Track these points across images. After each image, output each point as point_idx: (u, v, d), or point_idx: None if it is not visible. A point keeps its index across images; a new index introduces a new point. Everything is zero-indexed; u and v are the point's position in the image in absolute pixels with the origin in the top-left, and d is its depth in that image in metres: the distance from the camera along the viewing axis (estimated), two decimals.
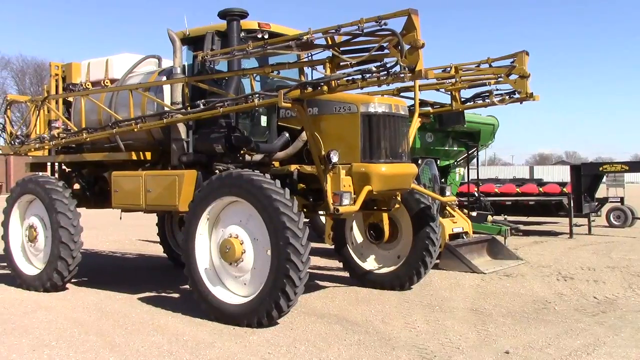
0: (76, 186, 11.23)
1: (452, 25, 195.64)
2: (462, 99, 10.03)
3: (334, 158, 8.00)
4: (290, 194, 7.53)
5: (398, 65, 6.72)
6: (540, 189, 20.70)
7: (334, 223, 10.63)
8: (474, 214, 15.76)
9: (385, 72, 6.87)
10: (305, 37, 7.23)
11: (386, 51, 6.90)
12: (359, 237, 10.63)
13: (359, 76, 7.10)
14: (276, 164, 9.13)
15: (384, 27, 6.70)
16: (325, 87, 7.24)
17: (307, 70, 9.83)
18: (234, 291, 8.00)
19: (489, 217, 16.11)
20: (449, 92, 9.99)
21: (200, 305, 8.09)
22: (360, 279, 10.40)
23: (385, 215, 9.71)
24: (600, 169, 19.14)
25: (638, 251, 14.96)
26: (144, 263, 13.89)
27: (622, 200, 21.78)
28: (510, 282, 10.68)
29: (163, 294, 9.90)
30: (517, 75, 9.21)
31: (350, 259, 10.55)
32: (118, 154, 9.91)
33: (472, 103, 9.98)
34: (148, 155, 9.87)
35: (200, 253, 8.16)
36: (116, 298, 9.57)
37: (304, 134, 8.71)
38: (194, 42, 9.38)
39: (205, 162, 8.98)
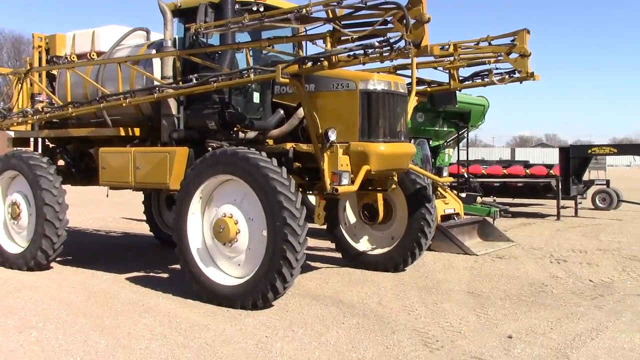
0: (60, 162, 10.88)
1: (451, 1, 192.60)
2: (460, 78, 9.81)
3: (332, 136, 7.77)
4: (287, 173, 7.31)
5: (403, 41, 6.48)
6: (527, 171, 20.65)
7: (327, 203, 10.40)
8: (463, 195, 15.65)
9: (389, 48, 6.63)
10: (304, 10, 6.95)
11: (390, 25, 6.64)
12: (352, 217, 10.43)
13: (361, 51, 6.84)
14: (270, 141, 8.85)
15: (388, 0, 6.44)
16: (326, 63, 6.99)
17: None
18: (227, 272, 7.77)
19: (478, 199, 16.02)
20: (447, 71, 9.76)
21: (192, 286, 7.86)
22: (353, 260, 10.22)
23: (379, 196, 9.51)
24: (589, 151, 19.08)
25: (626, 234, 14.96)
26: (130, 242, 13.58)
27: (607, 182, 21.81)
28: (503, 264, 10.58)
29: (151, 274, 9.65)
30: (517, 54, 8.99)
31: (343, 239, 10.36)
32: (105, 129, 9.59)
33: (470, 82, 9.77)
34: (137, 131, 9.55)
35: (192, 233, 7.90)
36: (103, 278, 9.30)
37: (300, 111, 8.44)
38: (185, 14, 9.02)
39: (197, 139, 8.69)
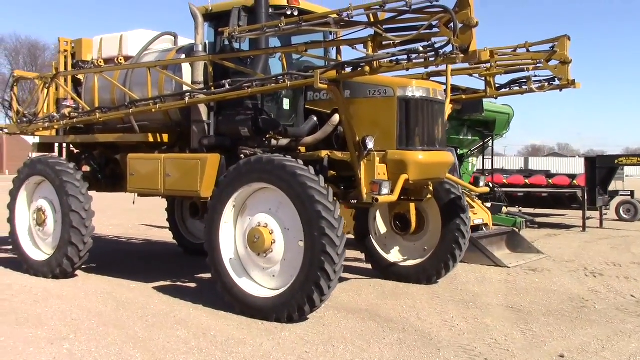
0: (85, 168, 10.72)
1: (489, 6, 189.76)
2: (497, 85, 9.56)
3: (370, 144, 7.53)
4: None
5: (450, 46, 6.24)
6: (550, 181, 20.34)
7: (356, 213, 10.18)
8: (488, 205, 15.36)
9: (434, 53, 6.39)
10: (344, 14, 6.74)
11: (435, 30, 6.40)
12: (382, 227, 10.18)
13: (404, 57, 6.61)
14: (302, 149, 8.63)
15: (435, 3, 6.21)
16: (367, 68, 6.74)
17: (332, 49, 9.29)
18: (261, 283, 7.54)
19: (504, 209, 15.73)
20: (483, 78, 9.51)
21: (225, 297, 7.64)
22: (384, 271, 9.96)
23: (412, 205, 9.26)
24: (616, 161, 18.74)
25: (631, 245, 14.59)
26: (153, 249, 13.40)
27: (632, 193, 21.47)
28: (538, 277, 10.28)
29: (179, 284, 9.43)
30: (558, 60, 8.73)
31: (374, 250, 10.10)
32: (133, 135, 9.42)
33: (507, 90, 9.51)
34: (165, 137, 9.37)
35: (224, 242, 7.69)
36: (130, 287, 9.10)
37: (334, 118, 8.21)
38: (216, 18, 8.85)
39: (228, 145, 8.49)
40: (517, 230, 13.92)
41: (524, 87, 9.23)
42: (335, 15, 6.85)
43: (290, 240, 7.22)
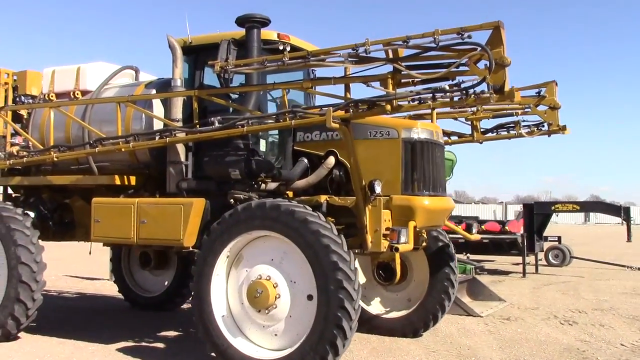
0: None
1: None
2: (482, 130, 9.35)
3: (378, 189, 7.00)
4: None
5: (483, 85, 5.88)
6: (482, 227, 20.49)
7: None
8: None
9: (464, 92, 6.00)
10: (361, 49, 6.28)
11: (464, 68, 6.05)
12: (361, 278, 9.57)
13: (429, 95, 6.19)
14: (289, 193, 7.97)
15: (467, 40, 5.86)
16: (388, 107, 6.26)
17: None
18: (259, 343, 6.75)
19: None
20: (469, 122, 9.28)
21: (217, 359, 6.77)
22: (365, 324, 9.27)
23: (397, 254, 8.75)
24: (553, 208, 19.18)
25: (603, 291, 14.79)
26: (95, 304, 12.08)
27: (559, 239, 22.01)
28: (517, 326, 9.99)
29: (144, 344, 8.41)
30: (546, 106, 8.63)
31: None
32: (97, 177, 8.47)
33: (495, 134, 9.32)
34: (132, 179, 8.45)
35: (216, 297, 6.87)
36: (89, 350, 8.02)
37: (329, 160, 7.64)
38: (195, 51, 8.18)
39: (213, 189, 7.73)
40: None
41: (512, 132, 9.06)
42: (349, 50, 6.37)
43: (297, 294, 6.52)
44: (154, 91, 8.49)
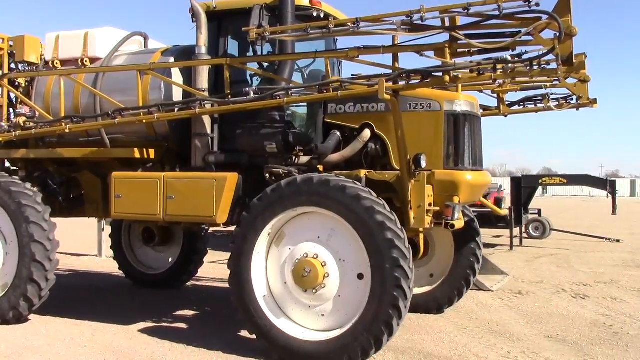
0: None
1: None
2: (507, 103, 9.15)
3: (424, 163, 6.74)
4: None
5: (549, 56, 5.65)
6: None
7: None
8: None
9: (528, 64, 5.77)
10: (416, 16, 5.96)
11: (527, 38, 5.80)
12: None
13: (489, 67, 5.92)
14: (320, 168, 7.64)
15: (535, 8, 5.60)
16: (447, 77, 5.98)
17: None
18: (303, 324, 6.46)
19: None
20: (495, 94, 9.05)
21: (259, 342, 6.50)
22: None
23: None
24: (540, 181, 19.31)
25: (595, 264, 14.92)
26: (94, 282, 11.59)
27: (539, 212, 22.24)
28: (532, 300, 9.96)
29: (164, 324, 8.06)
30: (576, 79, 8.44)
31: None
32: (116, 150, 8.03)
33: (521, 107, 9.13)
34: (152, 153, 8.00)
35: (257, 277, 6.56)
36: (110, 330, 7.65)
37: (364, 133, 7.32)
38: (218, 17, 7.73)
39: (244, 163, 7.36)
40: None
41: (539, 105, 8.88)
42: (403, 17, 6.05)
43: (346, 273, 6.25)
44: (172, 59, 8.01)
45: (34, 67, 9.01)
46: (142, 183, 7.45)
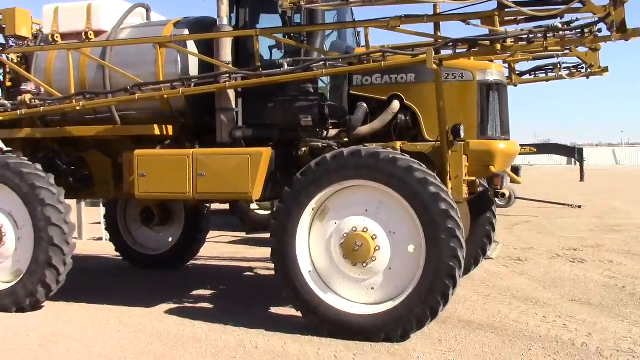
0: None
1: None
2: (518, 72, 9.23)
3: (463, 134, 6.73)
4: None
5: (602, 23, 5.68)
6: None
7: None
8: None
9: (580, 31, 5.79)
10: None
11: (577, 5, 5.81)
12: None
13: (540, 35, 5.92)
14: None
15: None
16: (498, 46, 5.95)
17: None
18: (351, 298, 6.39)
19: None
20: (506, 64, 9.11)
21: (307, 318, 6.41)
22: None
23: None
24: None
25: (570, 229, 15.38)
26: (91, 264, 11.10)
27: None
28: (534, 266, 10.22)
29: (188, 305, 7.87)
30: (587, 47, 8.59)
31: None
32: (135, 127, 7.66)
33: (532, 77, 9.21)
34: (169, 129, 7.71)
35: (301, 253, 6.44)
36: (135, 314, 7.39)
37: (394, 104, 7.21)
38: None
39: (275, 137, 7.19)
40: None
41: (550, 75, 8.99)
42: None
43: (397, 245, 6.20)
44: (186, 31, 7.68)
45: (26, 42, 8.51)
46: (169, 160, 7.17)
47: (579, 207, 21.31)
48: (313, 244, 6.52)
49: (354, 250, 6.16)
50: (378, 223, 6.24)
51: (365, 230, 6.21)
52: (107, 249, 11.67)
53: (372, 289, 6.32)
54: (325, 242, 6.43)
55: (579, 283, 8.86)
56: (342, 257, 6.28)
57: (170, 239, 10.46)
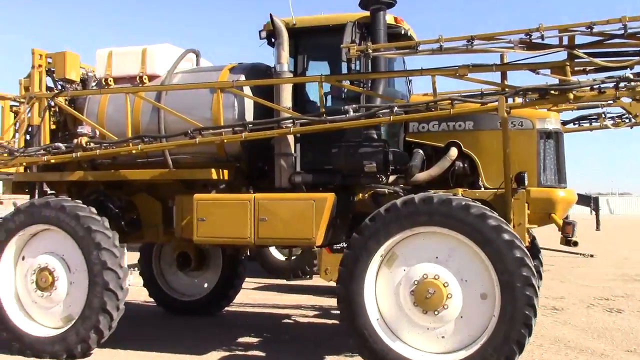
0: None
1: None
2: (562, 121, 9.29)
3: (527, 181, 6.77)
4: None
5: None
6: None
7: None
8: None
9: None
10: (535, 34, 6.02)
11: None
12: None
13: (611, 85, 6.04)
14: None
15: None
16: (571, 95, 6.04)
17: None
18: (419, 347, 6.30)
19: None
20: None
21: None
22: None
23: None
24: None
25: (592, 278, 15.34)
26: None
27: None
28: (574, 316, 10.15)
29: (238, 352, 7.72)
30: (631, 98, 8.69)
31: None
32: (194, 171, 7.65)
33: (576, 126, 9.31)
34: (225, 174, 7.71)
35: (369, 300, 6.37)
36: None
37: (452, 151, 7.28)
38: (298, 34, 7.59)
39: (337, 183, 7.20)
40: None
41: (595, 124, 9.08)
42: (521, 36, 6.09)
43: (469, 293, 6.15)
44: (243, 77, 7.77)
45: (73, 85, 8.59)
46: (230, 205, 7.14)
47: (591, 256, 21.31)
48: (380, 291, 6.45)
49: (426, 298, 6.10)
50: (449, 270, 6.19)
51: (436, 277, 6.16)
52: (139, 295, 11.49)
53: (443, 337, 6.23)
54: (394, 289, 6.36)
55: (626, 333, 8.79)
56: (413, 304, 6.21)
57: (205, 285, 10.32)
